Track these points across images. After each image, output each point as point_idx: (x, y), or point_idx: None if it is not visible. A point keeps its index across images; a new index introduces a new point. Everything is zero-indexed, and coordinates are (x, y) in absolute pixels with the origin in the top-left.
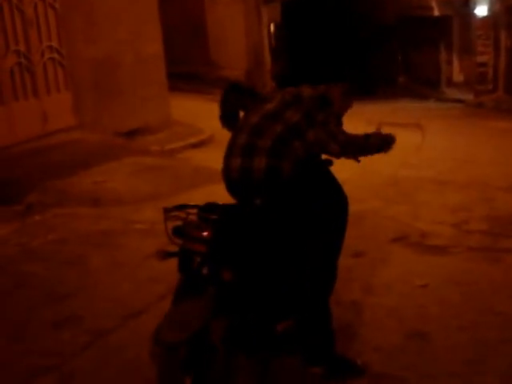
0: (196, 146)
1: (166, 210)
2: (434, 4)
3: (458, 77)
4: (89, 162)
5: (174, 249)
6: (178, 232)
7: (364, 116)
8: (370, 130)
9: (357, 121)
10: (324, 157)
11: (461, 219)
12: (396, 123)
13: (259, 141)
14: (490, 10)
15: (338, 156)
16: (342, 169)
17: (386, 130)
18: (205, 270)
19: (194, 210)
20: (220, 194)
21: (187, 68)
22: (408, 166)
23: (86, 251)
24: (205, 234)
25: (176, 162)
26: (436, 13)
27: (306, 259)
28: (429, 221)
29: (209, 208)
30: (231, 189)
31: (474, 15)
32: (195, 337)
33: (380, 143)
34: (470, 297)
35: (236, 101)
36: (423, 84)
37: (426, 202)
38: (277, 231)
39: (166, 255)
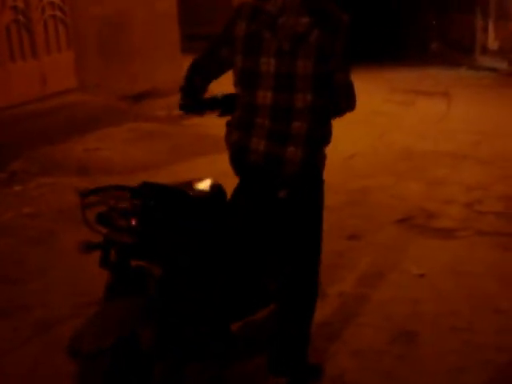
0: None
1: (82, 194)
2: None
3: (493, 44)
4: (85, 128)
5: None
6: (102, 220)
7: (390, 82)
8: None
9: (381, 87)
10: None
11: (475, 198)
12: (421, 91)
13: (291, 123)
14: None
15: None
16: (353, 139)
17: (410, 98)
18: (131, 265)
19: (124, 193)
20: (224, 164)
21: (209, 29)
22: (427, 137)
23: (58, 227)
24: (133, 222)
25: (180, 129)
26: None
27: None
28: (440, 200)
29: (144, 190)
30: (247, 173)
31: None
32: (120, 344)
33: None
34: (470, 291)
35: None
36: (456, 51)
37: (440, 179)
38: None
39: (89, 247)
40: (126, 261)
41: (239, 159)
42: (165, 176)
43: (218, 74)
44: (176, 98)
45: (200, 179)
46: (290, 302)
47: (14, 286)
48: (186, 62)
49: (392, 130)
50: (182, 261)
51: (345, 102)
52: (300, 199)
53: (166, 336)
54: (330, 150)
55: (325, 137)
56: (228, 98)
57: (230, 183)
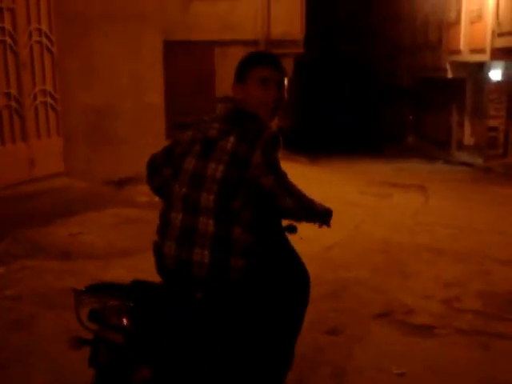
0: None
1: (78, 293)
2: (448, 66)
3: (468, 140)
4: (69, 212)
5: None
6: (94, 317)
7: (367, 175)
8: (371, 189)
9: (358, 179)
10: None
11: (453, 295)
12: (398, 184)
13: (197, 220)
14: (504, 74)
15: (295, 216)
16: (331, 230)
17: (387, 190)
18: (121, 365)
19: (117, 292)
20: None
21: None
22: (404, 230)
23: (39, 311)
24: (124, 321)
25: None
26: (450, 75)
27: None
28: (418, 295)
29: (135, 289)
30: (165, 278)
31: (487, 79)
32: None
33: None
34: None
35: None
36: (433, 145)
37: (417, 273)
38: (216, 325)
39: (79, 343)
40: (114, 359)
41: (158, 264)
42: (145, 261)
43: None
44: None
45: None
46: None
47: None
48: None
49: (369, 222)
50: (167, 345)
51: (289, 202)
52: (220, 308)
53: None
54: (308, 240)
55: (237, 241)
56: None
57: None
